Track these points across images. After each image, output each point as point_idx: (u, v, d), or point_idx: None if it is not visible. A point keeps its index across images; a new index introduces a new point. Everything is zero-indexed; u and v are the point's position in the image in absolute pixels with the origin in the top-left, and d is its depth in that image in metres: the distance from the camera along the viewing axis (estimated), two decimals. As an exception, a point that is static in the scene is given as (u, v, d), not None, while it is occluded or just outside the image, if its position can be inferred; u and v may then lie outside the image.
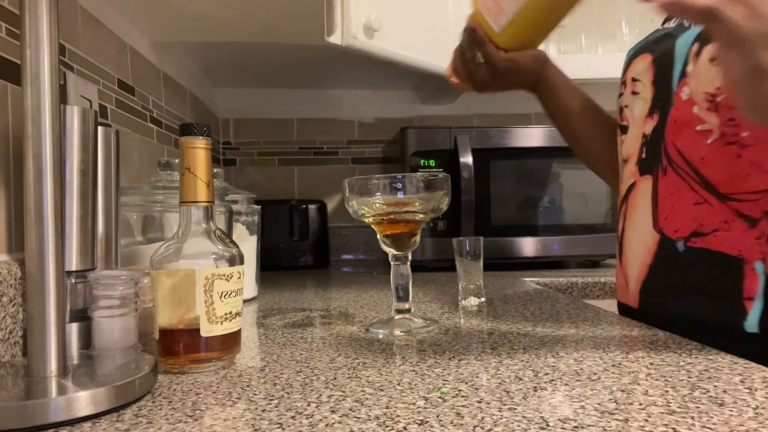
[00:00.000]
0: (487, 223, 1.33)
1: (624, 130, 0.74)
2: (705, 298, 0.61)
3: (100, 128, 0.57)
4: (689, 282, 0.62)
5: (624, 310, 0.73)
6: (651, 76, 0.69)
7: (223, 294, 0.51)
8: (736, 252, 0.58)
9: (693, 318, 0.61)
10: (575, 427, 0.35)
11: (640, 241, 0.68)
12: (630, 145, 0.71)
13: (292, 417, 0.38)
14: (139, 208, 0.79)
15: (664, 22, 0.74)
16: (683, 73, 0.63)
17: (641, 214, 0.68)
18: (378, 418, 0.37)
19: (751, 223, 0.57)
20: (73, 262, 0.54)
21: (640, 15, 1.43)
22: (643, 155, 0.68)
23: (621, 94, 0.75)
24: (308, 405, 0.40)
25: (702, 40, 0.62)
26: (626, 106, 0.73)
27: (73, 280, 0.54)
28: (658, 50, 0.69)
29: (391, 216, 0.64)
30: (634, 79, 0.72)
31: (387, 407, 0.40)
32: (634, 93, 0.72)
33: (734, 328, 0.58)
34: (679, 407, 0.38)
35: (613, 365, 0.48)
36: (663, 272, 0.65)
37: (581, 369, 0.47)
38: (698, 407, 0.38)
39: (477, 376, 0.46)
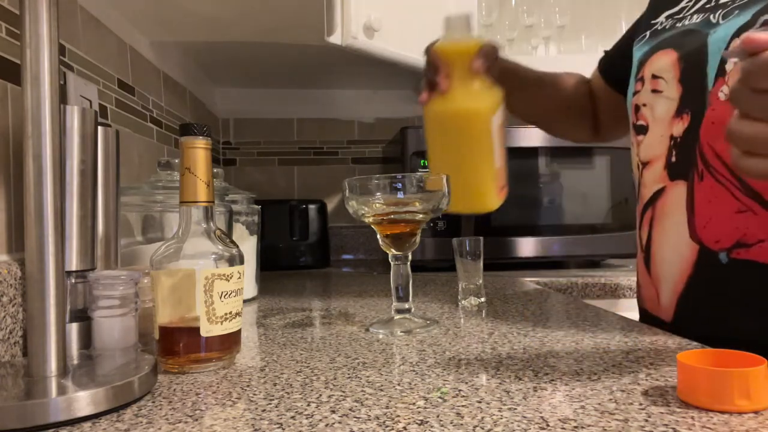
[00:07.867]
0: (487, 223, 1.32)
1: (641, 130, 0.69)
2: (750, 313, 0.56)
3: (100, 128, 0.57)
4: (733, 296, 0.58)
5: (651, 321, 0.68)
6: (677, 73, 0.63)
7: (223, 294, 0.51)
8: None
9: (735, 335, 0.56)
10: (575, 427, 0.35)
11: (674, 250, 0.63)
12: (653, 147, 0.66)
13: (292, 417, 0.38)
14: (139, 208, 0.79)
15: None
16: (720, 71, 0.58)
17: (675, 222, 0.63)
18: (378, 418, 0.37)
19: None
20: (73, 262, 0.54)
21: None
22: (673, 159, 0.63)
23: (637, 92, 0.70)
24: (308, 405, 0.40)
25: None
26: (644, 105, 0.68)
27: (73, 280, 0.54)
28: (684, 46, 0.63)
29: (391, 216, 0.64)
30: (655, 76, 0.66)
31: (387, 407, 0.40)
32: (655, 91, 0.66)
33: None
34: (679, 407, 0.38)
35: (613, 365, 0.48)
36: (704, 285, 0.60)
37: (581, 369, 0.47)
38: (698, 407, 0.38)
39: (477, 376, 0.46)
